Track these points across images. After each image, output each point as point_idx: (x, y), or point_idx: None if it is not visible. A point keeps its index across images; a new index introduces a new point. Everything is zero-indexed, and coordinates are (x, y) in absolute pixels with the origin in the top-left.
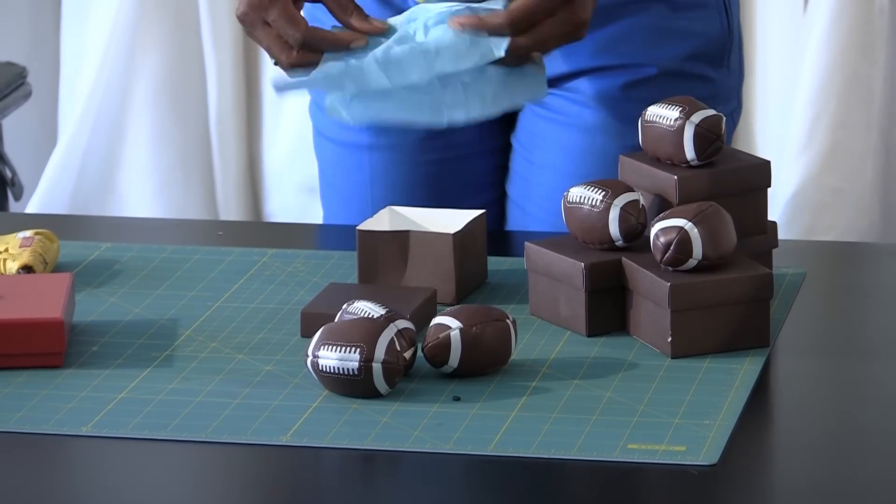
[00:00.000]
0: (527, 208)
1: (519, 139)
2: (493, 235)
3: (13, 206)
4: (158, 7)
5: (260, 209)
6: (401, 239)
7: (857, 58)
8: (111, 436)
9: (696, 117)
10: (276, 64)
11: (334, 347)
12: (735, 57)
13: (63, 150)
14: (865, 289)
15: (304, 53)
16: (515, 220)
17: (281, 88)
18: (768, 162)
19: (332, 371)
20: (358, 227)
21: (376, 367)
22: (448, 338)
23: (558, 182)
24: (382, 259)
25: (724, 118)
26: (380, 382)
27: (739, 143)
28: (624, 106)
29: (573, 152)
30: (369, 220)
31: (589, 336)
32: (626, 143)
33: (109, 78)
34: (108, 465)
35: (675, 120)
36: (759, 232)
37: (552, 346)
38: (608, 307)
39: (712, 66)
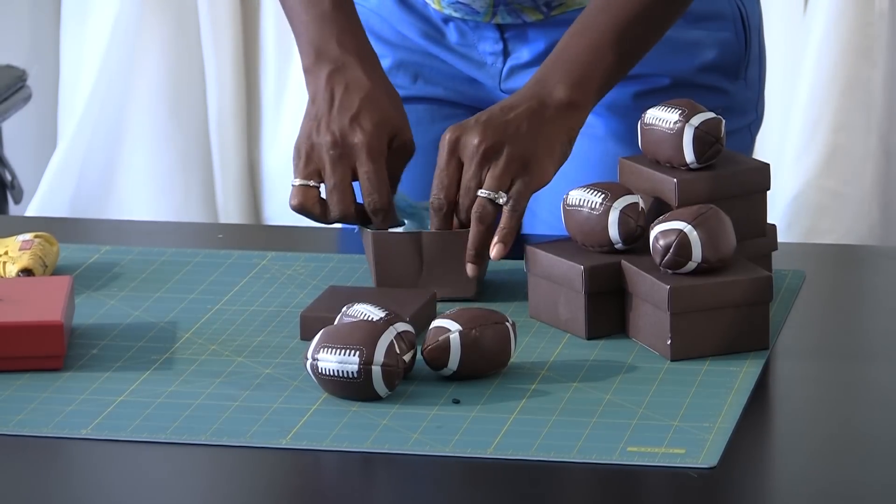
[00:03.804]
0: (539, 214)
1: None
2: None
3: (13, 209)
4: (158, 10)
5: (260, 212)
6: (415, 240)
7: (857, 61)
8: (111, 438)
9: (696, 120)
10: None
11: (334, 350)
12: (753, 70)
13: (63, 153)
14: (865, 291)
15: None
16: (527, 225)
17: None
18: (768, 165)
19: (331, 374)
20: (372, 231)
21: (376, 369)
22: (447, 340)
23: (568, 188)
24: (399, 261)
25: (723, 121)
26: (379, 385)
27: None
28: (635, 115)
29: (584, 160)
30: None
31: (588, 339)
32: (637, 151)
33: (109, 81)
34: (108, 467)
35: (675, 123)
36: (758, 235)
37: (552, 348)
38: (608, 310)
39: (727, 78)
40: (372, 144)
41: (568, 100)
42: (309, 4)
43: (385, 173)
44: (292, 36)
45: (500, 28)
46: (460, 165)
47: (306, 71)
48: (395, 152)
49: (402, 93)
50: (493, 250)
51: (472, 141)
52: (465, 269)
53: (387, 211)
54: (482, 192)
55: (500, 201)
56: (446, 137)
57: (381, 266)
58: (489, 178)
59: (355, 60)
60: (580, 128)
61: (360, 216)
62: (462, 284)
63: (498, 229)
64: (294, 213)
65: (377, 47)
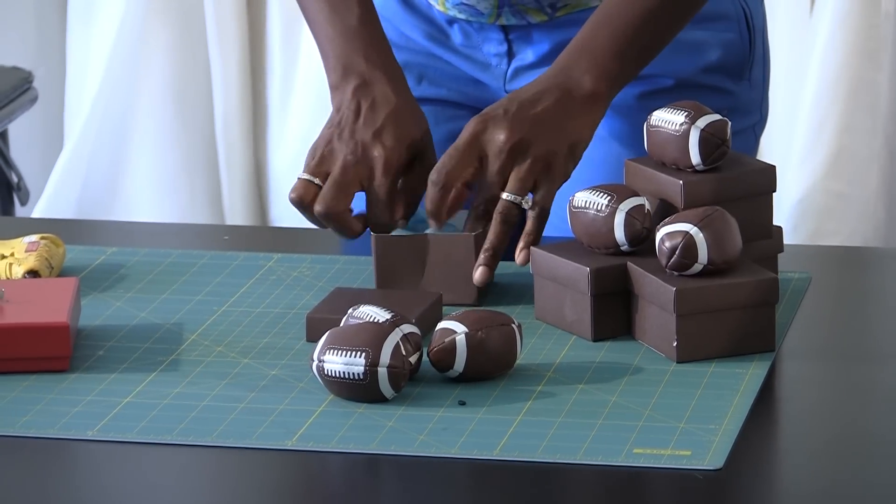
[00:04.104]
0: None
1: None
2: None
3: (19, 211)
4: (164, 11)
5: (266, 213)
6: (418, 242)
7: (863, 63)
8: (117, 440)
9: (702, 122)
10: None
11: (340, 352)
12: (758, 70)
13: (69, 154)
14: (871, 293)
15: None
16: None
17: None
18: (773, 166)
19: (337, 375)
20: (373, 233)
21: (382, 371)
22: (454, 342)
23: (574, 190)
24: (400, 263)
25: (729, 123)
26: (385, 387)
27: None
28: (639, 116)
29: (587, 161)
30: None
31: (594, 340)
32: (642, 152)
33: (115, 82)
34: (114, 469)
35: (681, 124)
36: (764, 236)
37: (557, 350)
38: (613, 311)
39: (732, 79)
40: (390, 161)
41: (593, 90)
42: (335, 20)
43: (395, 191)
44: (298, 36)
45: (505, 29)
46: (477, 156)
47: (333, 88)
48: (417, 173)
49: None
50: (520, 256)
51: (499, 137)
52: (466, 273)
53: (385, 228)
54: (508, 196)
55: (525, 206)
56: (471, 127)
57: (383, 267)
58: (513, 180)
59: (382, 76)
60: (601, 120)
61: (354, 220)
62: (463, 290)
63: (524, 234)
64: (291, 204)
65: None
